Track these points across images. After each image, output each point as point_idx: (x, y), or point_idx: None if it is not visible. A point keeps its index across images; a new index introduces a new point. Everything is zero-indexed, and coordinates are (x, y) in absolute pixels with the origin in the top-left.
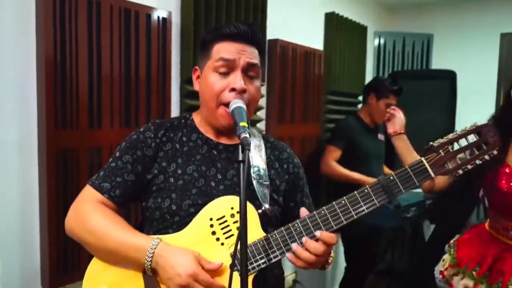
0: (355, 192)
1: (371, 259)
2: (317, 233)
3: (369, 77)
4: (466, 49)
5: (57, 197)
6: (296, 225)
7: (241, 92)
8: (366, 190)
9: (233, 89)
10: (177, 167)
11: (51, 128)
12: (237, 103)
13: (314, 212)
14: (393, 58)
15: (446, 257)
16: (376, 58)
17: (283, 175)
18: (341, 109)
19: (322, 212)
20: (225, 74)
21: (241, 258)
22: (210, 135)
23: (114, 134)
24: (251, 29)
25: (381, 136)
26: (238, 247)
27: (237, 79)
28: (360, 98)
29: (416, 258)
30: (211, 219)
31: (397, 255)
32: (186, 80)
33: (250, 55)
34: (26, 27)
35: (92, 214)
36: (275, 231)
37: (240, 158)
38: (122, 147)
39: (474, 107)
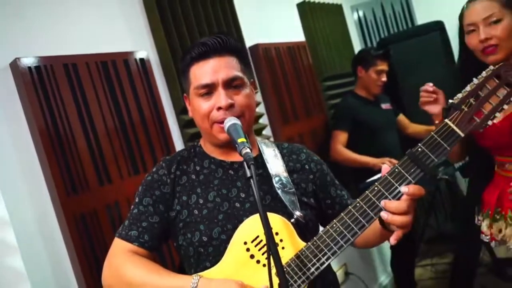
0: (386, 174)
1: (413, 229)
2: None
3: None
4: None
5: (87, 259)
6: (334, 225)
7: (228, 108)
8: (397, 170)
9: (219, 108)
10: (197, 197)
11: (63, 197)
12: (230, 121)
13: (349, 207)
14: (377, 26)
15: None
16: (361, 31)
17: (307, 176)
18: (340, 91)
19: (358, 205)
20: (209, 94)
21: (280, 277)
22: (221, 157)
23: (126, 185)
24: (220, 39)
25: (386, 106)
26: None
27: (220, 98)
28: None
29: (459, 217)
30: (245, 243)
31: (441, 219)
32: (180, 111)
33: (227, 68)
34: (13, 107)
35: (125, 266)
36: (314, 238)
37: (248, 174)
38: (140, 191)
39: None
